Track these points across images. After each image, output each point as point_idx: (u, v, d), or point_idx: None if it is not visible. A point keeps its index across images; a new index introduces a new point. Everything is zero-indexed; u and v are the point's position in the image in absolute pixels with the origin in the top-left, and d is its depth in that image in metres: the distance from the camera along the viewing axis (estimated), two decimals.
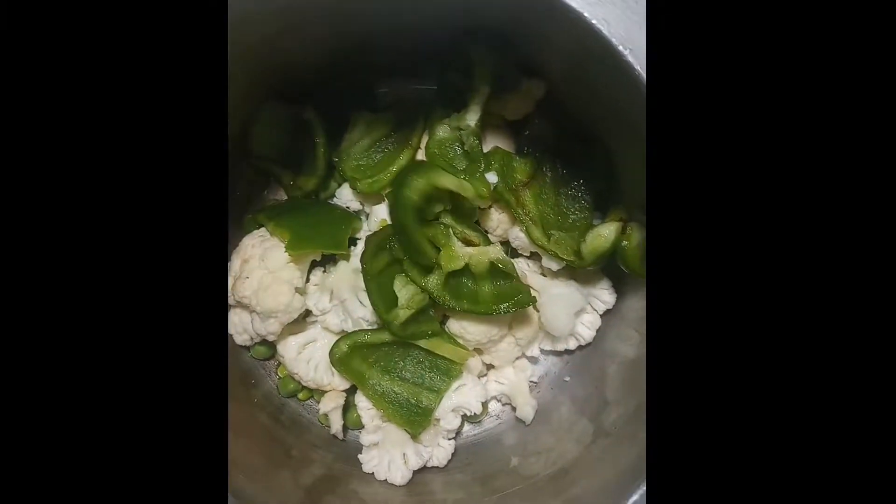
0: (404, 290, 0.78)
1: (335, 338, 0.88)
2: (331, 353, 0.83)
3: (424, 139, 0.86)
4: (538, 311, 0.85)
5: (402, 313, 0.78)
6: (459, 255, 0.78)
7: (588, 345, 0.89)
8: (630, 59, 0.58)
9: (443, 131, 0.84)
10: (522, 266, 0.89)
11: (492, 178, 0.84)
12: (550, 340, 0.90)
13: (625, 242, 0.82)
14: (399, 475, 0.84)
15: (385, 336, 0.82)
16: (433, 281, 0.79)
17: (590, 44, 0.61)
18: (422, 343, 0.83)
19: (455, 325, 0.84)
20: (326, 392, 0.89)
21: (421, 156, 0.88)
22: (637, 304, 0.88)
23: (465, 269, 0.79)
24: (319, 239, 0.82)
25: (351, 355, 0.83)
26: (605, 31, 0.57)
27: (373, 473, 0.84)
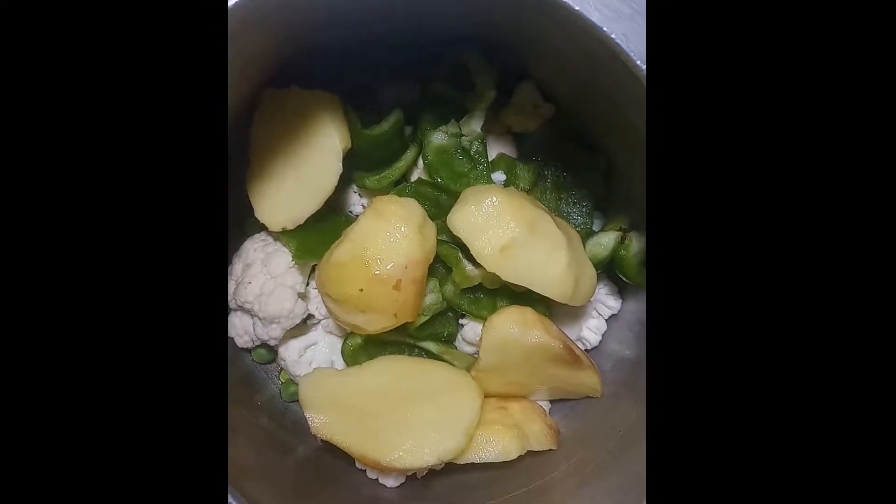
0: (426, 297, 0.79)
1: (337, 341, 0.88)
2: (344, 344, 0.85)
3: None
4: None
5: (419, 318, 0.78)
6: (471, 276, 0.79)
7: (593, 348, 0.90)
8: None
9: (438, 139, 0.84)
10: None
11: (499, 177, 0.85)
12: None
13: (623, 252, 0.84)
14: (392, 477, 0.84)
15: (400, 336, 0.83)
16: (448, 290, 0.79)
17: (604, 57, 0.62)
18: (432, 346, 0.83)
19: (469, 332, 0.84)
20: None
21: None
22: (635, 307, 0.90)
23: (480, 284, 0.80)
24: (325, 248, 0.81)
25: (361, 350, 0.84)
26: (623, 45, 0.58)
27: (377, 479, 0.84)
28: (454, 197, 0.81)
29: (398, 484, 0.83)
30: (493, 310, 0.80)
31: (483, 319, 0.80)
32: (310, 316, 0.87)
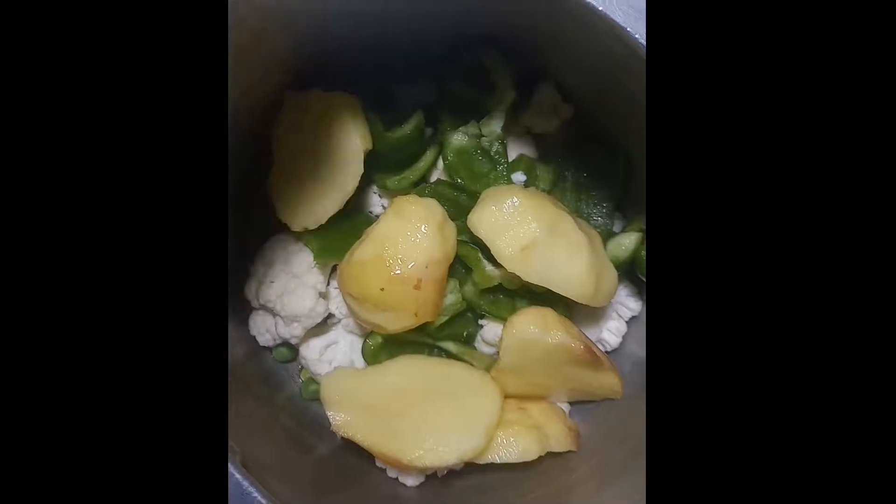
0: (446, 298, 0.79)
1: (357, 340, 0.89)
2: (364, 343, 0.85)
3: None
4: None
5: (439, 318, 0.79)
6: (491, 276, 0.79)
7: (614, 350, 0.90)
8: None
9: (458, 139, 0.84)
10: None
11: (519, 177, 0.85)
12: None
13: (644, 253, 0.84)
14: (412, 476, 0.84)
15: (419, 336, 0.83)
16: (468, 290, 0.80)
17: (626, 57, 0.62)
18: (451, 347, 0.83)
19: (489, 333, 0.84)
20: None
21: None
22: None
23: (500, 285, 0.81)
24: (346, 248, 0.82)
25: (381, 349, 0.84)
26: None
27: (396, 478, 0.84)
28: (474, 197, 0.81)
29: (418, 483, 0.84)
30: (513, 310, 0.80)
31: (503, 320, 0.80)
32: (330, 315, 0.88)
